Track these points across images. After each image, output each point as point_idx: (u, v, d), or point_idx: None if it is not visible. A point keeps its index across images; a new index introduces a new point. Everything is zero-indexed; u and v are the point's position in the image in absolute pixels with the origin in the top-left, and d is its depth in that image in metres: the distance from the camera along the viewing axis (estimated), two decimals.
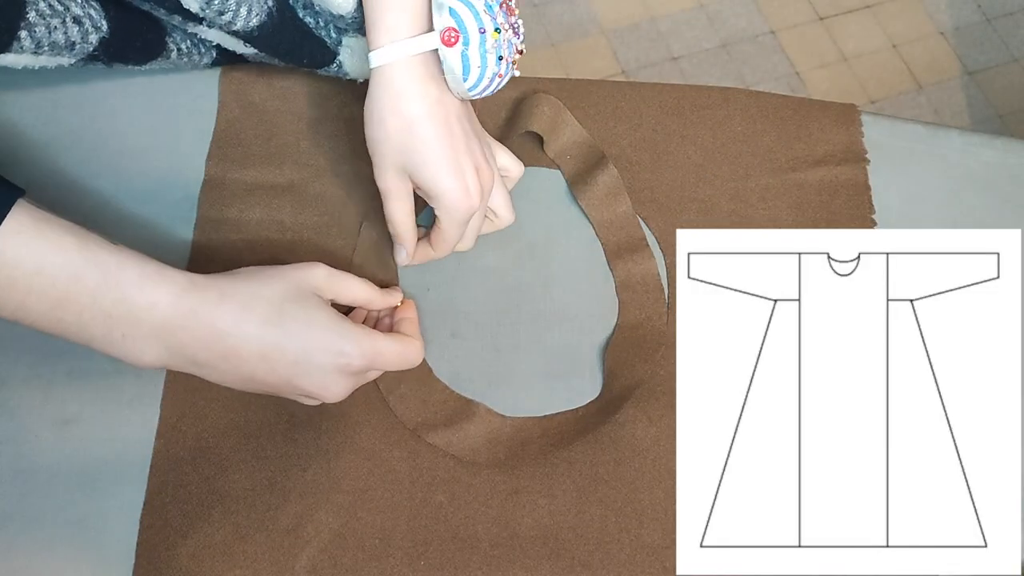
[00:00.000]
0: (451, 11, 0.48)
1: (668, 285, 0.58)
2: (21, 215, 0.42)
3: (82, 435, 0.51)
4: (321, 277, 0.49)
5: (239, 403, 0.52)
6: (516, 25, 0.51)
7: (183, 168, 0.59)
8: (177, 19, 0.53)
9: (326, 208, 0.58)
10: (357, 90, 0.62)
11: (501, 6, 0.50)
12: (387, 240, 0.57)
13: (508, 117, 0.62)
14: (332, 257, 0.57)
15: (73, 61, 0.54)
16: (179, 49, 0.58)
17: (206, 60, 0.61)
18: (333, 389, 0.47)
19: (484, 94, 0.52)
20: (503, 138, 0.61)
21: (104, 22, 0.52)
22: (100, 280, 0.43)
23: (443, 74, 0.50)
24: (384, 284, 0.56)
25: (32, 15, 0.49)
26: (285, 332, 0.46)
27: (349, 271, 0.56)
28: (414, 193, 0.53)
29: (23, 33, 0.49)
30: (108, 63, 0.56)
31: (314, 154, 0.60)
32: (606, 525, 0.51)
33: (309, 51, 0.57)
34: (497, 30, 0.49)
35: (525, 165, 0.61)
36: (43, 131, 0.59)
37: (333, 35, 0.58)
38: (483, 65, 0.50)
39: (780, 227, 0.60)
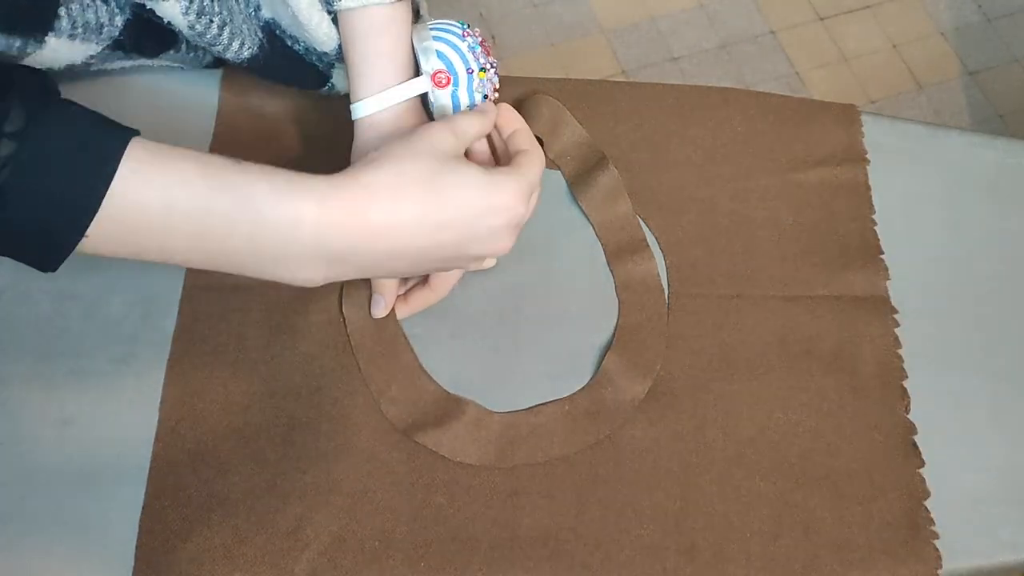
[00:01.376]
0: (439, 54, 0.51)
1: (668, 285, 0.58)
2: (137, 151, 0.39)
3: (82, 435, 0.51)
4: (448, 137, 0.45)
5: (238, 406, 0.52)
6: (495, 64, 0.53)
7: None
8: None
9: None
10: None
11: (482, 45, 0.53)
12: None
13: None
14: None
15: (100, 48, 0.53)
16: (187, 42, 0.58)
17: (208, 59, 0.61)
18: (505, 243, 0.46)
19: None
20: None
21: (127, 7, 0.53)
22: (232, 204, 0.40)
23: (427, 109, 0.52)
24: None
25: None
26: (445, 206, 0.43)
27: None
28: None
29: (62, 10, 0.49)
30: (128, 52, 0.56)
31: (314, 156, 0.60)
32: (606, 525, 0.51)
33: (301, 77, 0.58)
34: (483, 70, 0.52)
35: None
36: None
37: (324, 61, 0.58)
38: (471, 104, 0.52)
39: (780, 227, 0.60)
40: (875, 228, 0.61)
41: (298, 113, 0.61)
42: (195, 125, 0.60)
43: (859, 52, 1.66)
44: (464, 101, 0.52)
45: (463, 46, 0.52)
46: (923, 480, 0.53)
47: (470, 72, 0.52)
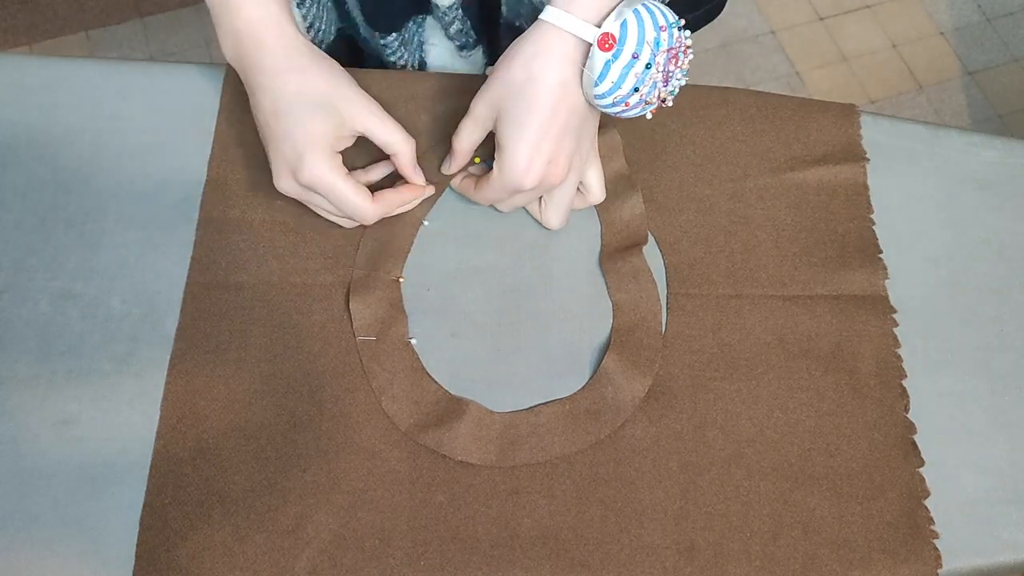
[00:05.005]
0: (623, 23, 0.49)
1: (667, 285, 0.58)
2: None
3: (82, 435, 0.51)
4: (360, 116, 0.54)
5: (239, 404, 0.52)
6: (670, 75, 0.52)
7: (184, 168, 0.59)
8: None
9: None
10: None
11: (671, 51, 0.51)
12: (395, 236, 0.57)
13: None
14: (335, 257, 0.57)
15: None
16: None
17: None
18: (281, 176, 0.53)
19: (606, 110, 0.52)
20: None
21: None
22: None
23: (583, 67, 0.52)
24: (391, 281, 0.56)
25: None
26: (289, 117, 0.52)
27: (352, 271, 0.56)
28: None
29: None
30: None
31: None
32: (606, 525, 0.51)
33: None
34: (649, 65, 0.50)
35: None
36: (43, 131, 0.59)
37: None
38: (617, 83, 0.50)
39: (779, 227, 0.60)
40: (874, 228, 0.61)
41: None
42: (196, 125, 0.60)
43: (859, 52, 1.66)
44: (612, 77, 0.50)
45: (649, 34, 0.50)
46: (923, 480, 0.53)
47: (635, 57, 0.49)
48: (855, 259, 0.59)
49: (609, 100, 0.51)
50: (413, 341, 0.55)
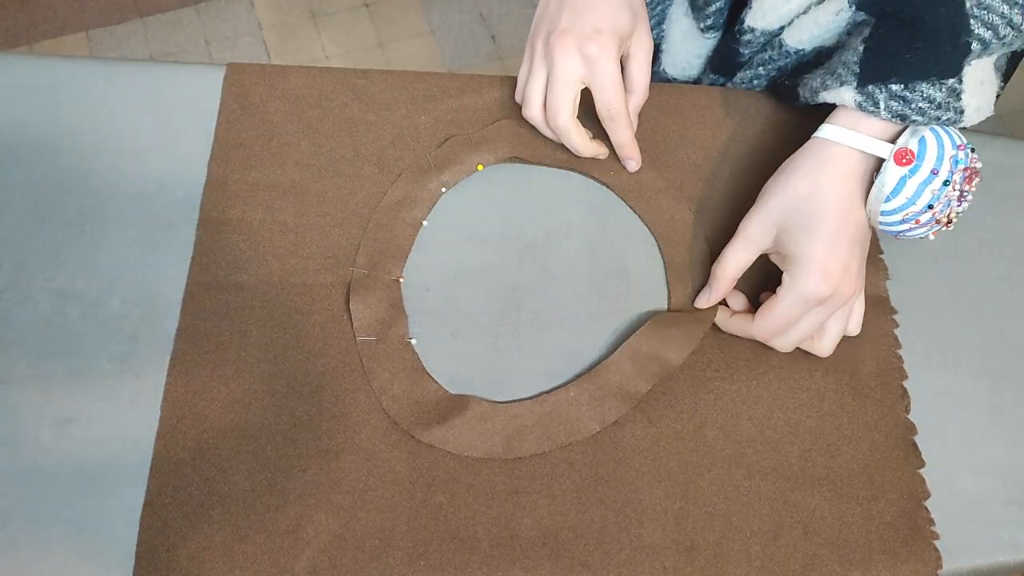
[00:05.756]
0: (922, 139, 0.49)
1: (667, 284, 0.58)
2: None
3: (82, 435, 0.51)
4: (643, 39, 0.57)
5: (239, 404, 0.52)
6: (965, 195, 0.50)
7: (184, 168, 0.59)
8: None
9: (328, 208, 0.59)
10: (358, 90, 0.62)
11: (967, 171, 0.50)
12: (395, 236, 0.57)
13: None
14: (335, 257, 0.57)
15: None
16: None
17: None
18: (563, 41, 0.54)
19: (889, 228, 0.51)
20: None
21: None
22: None
23: (868, 183, 0.51)
24: (390, 281, 0.56)
25: None
26: None
27: (352, 271, 0.56)
28: None
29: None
30: None
31: (315, 154, 0.60)
32: (606, 525, 0.51)
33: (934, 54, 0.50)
34: (947, 182, 0.49)
35: (533, 163, 0.61)
36: (43, 131, 0.59)
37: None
38: (911, 199, 0.49)
39: None
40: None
41: (300, 112, 0.61)
42: (196, 125, 0.60)
43: None
44: (907, 193, 0.49)
45: (948, 150, 0.49)
46: (923, 480, 0.53)
47: (934, 173, 0.49)
48: None
49: (898, 217, 0.50)
50: (413, 341, 0.55)
